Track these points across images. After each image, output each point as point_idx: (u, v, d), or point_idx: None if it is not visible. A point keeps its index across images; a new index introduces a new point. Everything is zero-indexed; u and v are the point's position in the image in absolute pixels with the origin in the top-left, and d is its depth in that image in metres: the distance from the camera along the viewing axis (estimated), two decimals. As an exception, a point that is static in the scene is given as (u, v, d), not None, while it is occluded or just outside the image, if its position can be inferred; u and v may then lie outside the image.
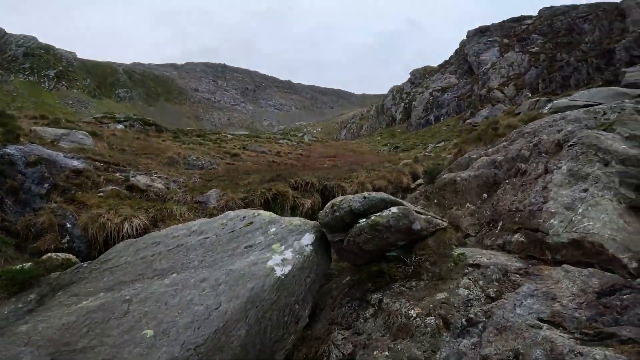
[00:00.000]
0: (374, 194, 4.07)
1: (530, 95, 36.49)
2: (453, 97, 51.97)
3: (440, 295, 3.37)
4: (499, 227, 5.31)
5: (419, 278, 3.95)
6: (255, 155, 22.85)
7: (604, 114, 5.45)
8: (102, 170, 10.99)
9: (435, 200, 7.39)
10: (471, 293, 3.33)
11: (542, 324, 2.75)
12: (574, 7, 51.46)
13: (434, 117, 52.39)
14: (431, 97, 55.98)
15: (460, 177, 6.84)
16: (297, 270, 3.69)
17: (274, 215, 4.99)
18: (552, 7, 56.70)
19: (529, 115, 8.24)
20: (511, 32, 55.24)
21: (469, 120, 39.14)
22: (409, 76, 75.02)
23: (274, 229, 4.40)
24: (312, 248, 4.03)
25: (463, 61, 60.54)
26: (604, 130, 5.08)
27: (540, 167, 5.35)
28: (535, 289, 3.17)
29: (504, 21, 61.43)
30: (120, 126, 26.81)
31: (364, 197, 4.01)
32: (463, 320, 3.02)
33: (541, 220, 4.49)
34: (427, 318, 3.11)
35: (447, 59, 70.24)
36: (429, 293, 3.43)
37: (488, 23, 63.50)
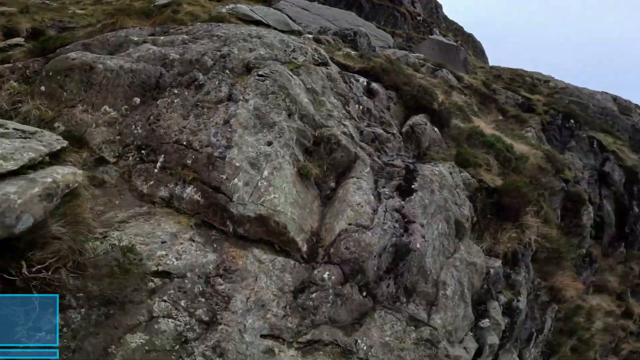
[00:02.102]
0: None
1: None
2: None
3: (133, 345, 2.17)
4: (158, 164, 3.64)
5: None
6: None
7: (293, 50, 4.94)
8: None
9: (44, 88, 4.20)
10: (180, 324, 2.48)
11: (269, 341, 2.72)
12: None
13: None
14: None
15: (105, 65, 4.13)
16: None
17: None
18: None
19: (218, 14, 6.57)
20: None
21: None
22: None
23: None
24: None
25: None
26: (291, 70, 4.56)
27: (223, 89, 4.04)
28: (247, 299, 2.85)
29: None
30: None
31: None
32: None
33: (224, 177, 3.36)
34: None
35: None
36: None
37: None
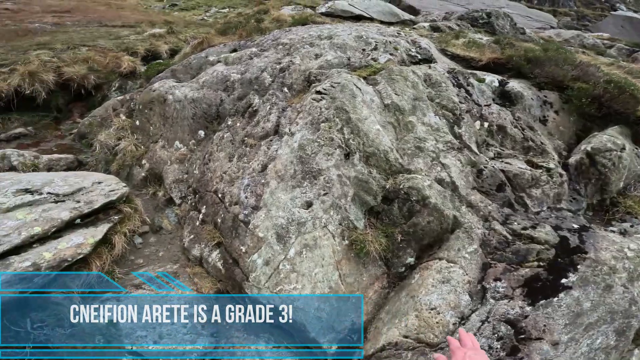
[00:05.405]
0: None
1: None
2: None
3: None
4: (201, 216, 3.24)
5: None
6: None
7: (375, 48, 3.59)
8: None
9: (138, 123, 4.43)
10: None
11: None
12: None
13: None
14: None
15: (174, 96, 4.02)
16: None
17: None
18: None
19: (301, 15, 5.75)
20: None
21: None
22: None
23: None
24: None
25: None
26: (365, 78, 3.31)
27: (272, 118, 3.18)
28: None
29: None
30: None
31: None
32: None
33: (243, 249, 2.65)
34: None
35: None
36: None
37: None
